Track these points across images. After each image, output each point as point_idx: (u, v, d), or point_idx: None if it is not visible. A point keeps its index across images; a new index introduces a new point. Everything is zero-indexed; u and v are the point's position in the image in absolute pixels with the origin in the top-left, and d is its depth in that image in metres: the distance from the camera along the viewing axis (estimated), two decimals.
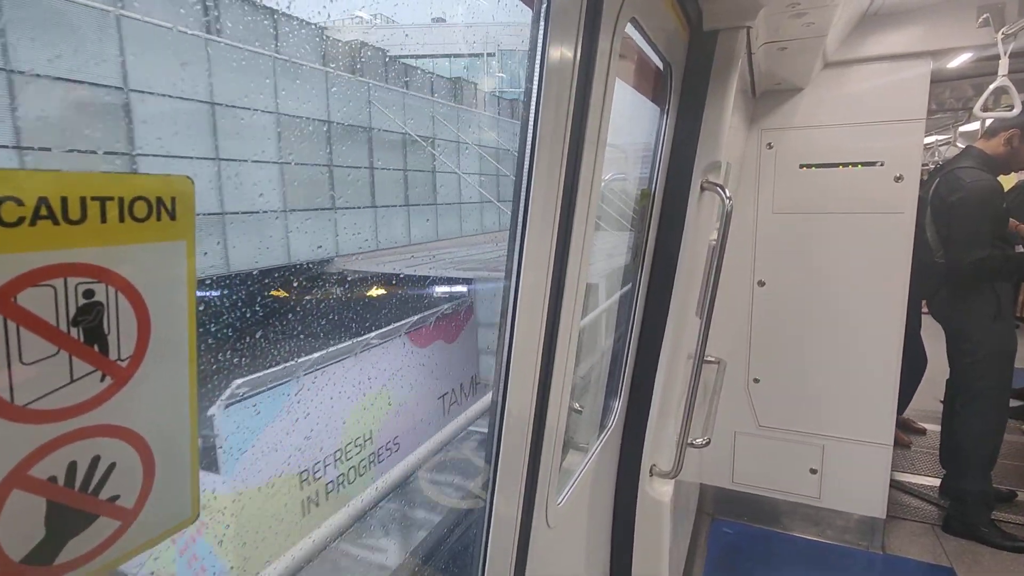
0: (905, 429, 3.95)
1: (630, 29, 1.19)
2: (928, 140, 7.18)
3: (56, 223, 0.30)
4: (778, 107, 2.75)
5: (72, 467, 0.33)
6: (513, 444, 1.06)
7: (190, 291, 0.37)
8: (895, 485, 3.28)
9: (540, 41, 0.81)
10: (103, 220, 0.32)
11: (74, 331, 0.32)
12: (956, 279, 2.89)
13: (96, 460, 0.34)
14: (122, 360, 0.34)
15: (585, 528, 1.64)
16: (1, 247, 0.28)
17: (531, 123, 0.85)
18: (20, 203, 0.28)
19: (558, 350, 1.08)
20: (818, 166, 2.71)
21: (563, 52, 0.86)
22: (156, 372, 0.36)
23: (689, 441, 1.83)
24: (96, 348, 0.33)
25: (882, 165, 2.60)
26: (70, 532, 0.33)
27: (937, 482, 3.27)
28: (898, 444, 3.74)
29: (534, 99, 0.83)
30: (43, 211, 0.29)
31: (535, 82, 0.82)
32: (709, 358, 2.49)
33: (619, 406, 1.83)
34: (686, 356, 1.88)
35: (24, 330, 0.29)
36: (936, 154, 7.24)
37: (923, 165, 2.90)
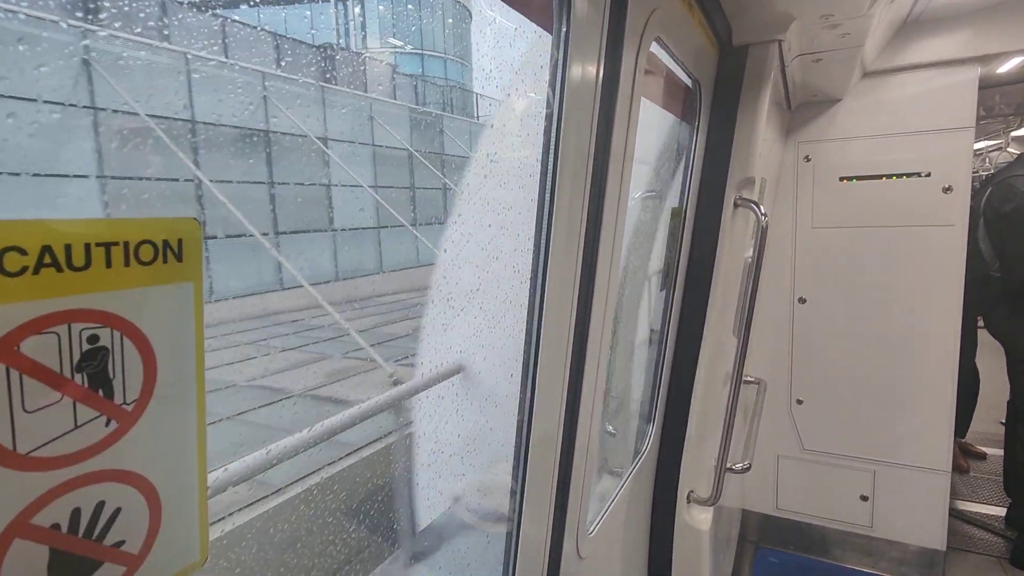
0: (963, 452, 3.70)
1: (657, 48, 1.18)
2: (978, 146, 6.87)
3: (60, 270, 0.30)
4: (815, 119, 2.67)
5: (76, 513, 0.33)
6: (540, 470, 1.03)
7: (198, 332, 0.37)
8: (956, 514, 3.07)
9: (561, 63, 0.80)
10: (108, 265, 0.32)
11: (78, 377, 0.32)
12: (1014, 294, 2.72)
13: (101, 506, 0.34)
14: (127, 404, 0.34)
15: (619, 559, 1.58)
16: (4, 297, 0.28)
17: (552, 144, 0.83)
18: (23, 252, 0.28)
19: (586, 372, 1.05)
20: (859, 178, 2.61)
21: (585, 73, 0.85)
22: (163, 415, 0.36)
23: (728, 466, 1.76)
24: (100, 393, 0.33)
25: (928, 175, 2.48)
26: None
27: (1002, 511, 3.04)
28: (956, 469, 3.52)
29: (555, 121, 0.82)
30: (46, 259, 0.29)
31: (556, 104, 0.82)
32: (748, 378, 2.40)
33: (653, 430, 1.77)
34: (723, 376, 1.82)
35: (27, 378, 0.29)
36: (987, 160, 6.91)
37: (973, 172, 2.76)
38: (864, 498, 2.77)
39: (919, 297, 2.56)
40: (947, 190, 2.45)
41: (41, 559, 0.31)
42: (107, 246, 0.32)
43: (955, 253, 2.47)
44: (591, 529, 1.30)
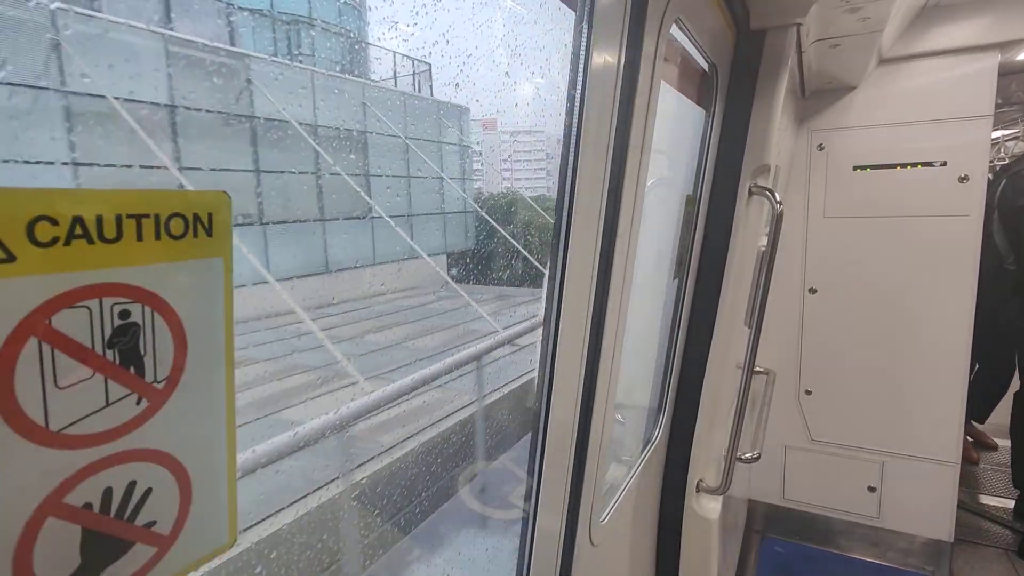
0: (975, 443, 3.67)
1: (674, 30, 1.15)
2: (994, 135, 6.76)
3: (91, 242, 0.29)
4: (829, 107, 2.63)
5: (108, 493, 0.32)
6: (556, 458, 1.02)
7: (227, 309, 0.36)
8: (964, 506, 3.06)
9: (584, 43, 0.78)
10: (139, 238, 0.31)
11: (109, 353, 0.31)
12: None
13: (132, 485, 0.33)
14: (158, 382, 0.33)
15: (628, 547, 1.58)
16: (35, 268, 0.27)
17: (574, 128, 0.82)
18: (55, 222, 0.27)
19: (602, 360, 1.04)
20: (873, 167, 2.58)
21: (607, 55, 0.83)
22: (193, 393, 0.35)
23: (738, 455, 1.75)
24: (132, 370, 0.32)
25: (944, 165, 2.44)
26: (106, 560, 0.32)
27: (1011, 503, 3.04)
28: (965, 459, 3.50)
29: (577, 103, 0.80)
30: (78, 230, 0.28)
31: (578, 85, 0.80)
32: (757, 368, 2.38)
33: (664, 419, 1.77)
34: (734, 366, 1.81)
35: (59, 353, 0.28)
36: (1003, 150, 6.81)
37: (988, 163, 2.72)
38: (872, 489, 2.76)
39: (931, 288, 2.54)
40: (963, 180, 2.42)
41: (74, 538, 0.31)
42: (138, 218, 0.30)
43: (970, 244, 2.44)
44: (603, 517, 1.30)
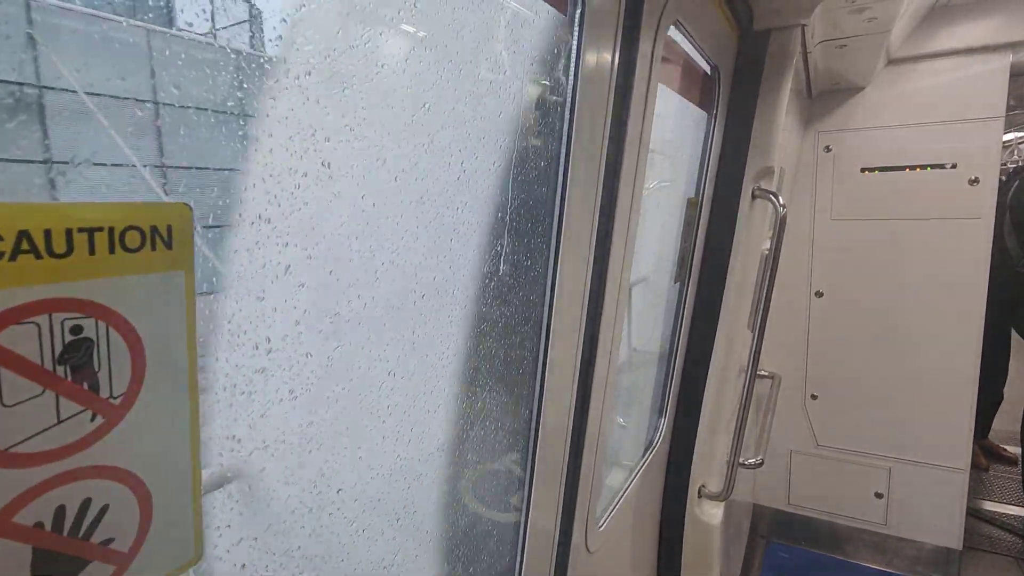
0: (988, 453, 3.60)
1: (673, 31, 1.14)
2: (1006, 138, 6.65)
3: (39, 257, 0.28)
4: (836, 108, 2.60)
5: (60, 511, 0.31)
6: (549, 462, 1.01)
7: (189, 322, 0.35)
8: (973, 513, 3.02)
9: (575, 46, 0.77)
10: (91, 252, 0.30)
11: (60, 369, 0.30)
12: None
13: (87, 503, 0.32)
14: (115, 398, 0.33)
15: (627, 554, 1.57)
16: None
17: (565, 131, 0.81)
18: None
19: (597, 362, 1.03)
20: (882, 169, 2.54)
21: (599, 58, 0.82)
22: (153, 408, 0.35)
23: (741, 461, 1.73)
24: (85, 386, 0.31)
25: (954, 167, 2.41)
26: None
27: (1022, 511, 2.99)
28: (975, 466, 3.44)
29: (568, 107, 0.79)
30: (24, 245, 0.27)
31: (569, 90, 0.79)
32: (762, 372, 2.36)
33: (665, 423, 1.75)
34: (737, 370, 1.79)
35: (5, 371, 0.28)
36: (1015, 153, 6.70)
37: (1001, 165, 2.67)
38: (879, 495, 2.72)
39: (941, 292, 2.50)
40: (973, 182, 2.38)
41: (24, 557, 0.30)
42: (90, 232, 0.30)
43: (980, 247, 2.40)
44: (600, 523, 1.28)
